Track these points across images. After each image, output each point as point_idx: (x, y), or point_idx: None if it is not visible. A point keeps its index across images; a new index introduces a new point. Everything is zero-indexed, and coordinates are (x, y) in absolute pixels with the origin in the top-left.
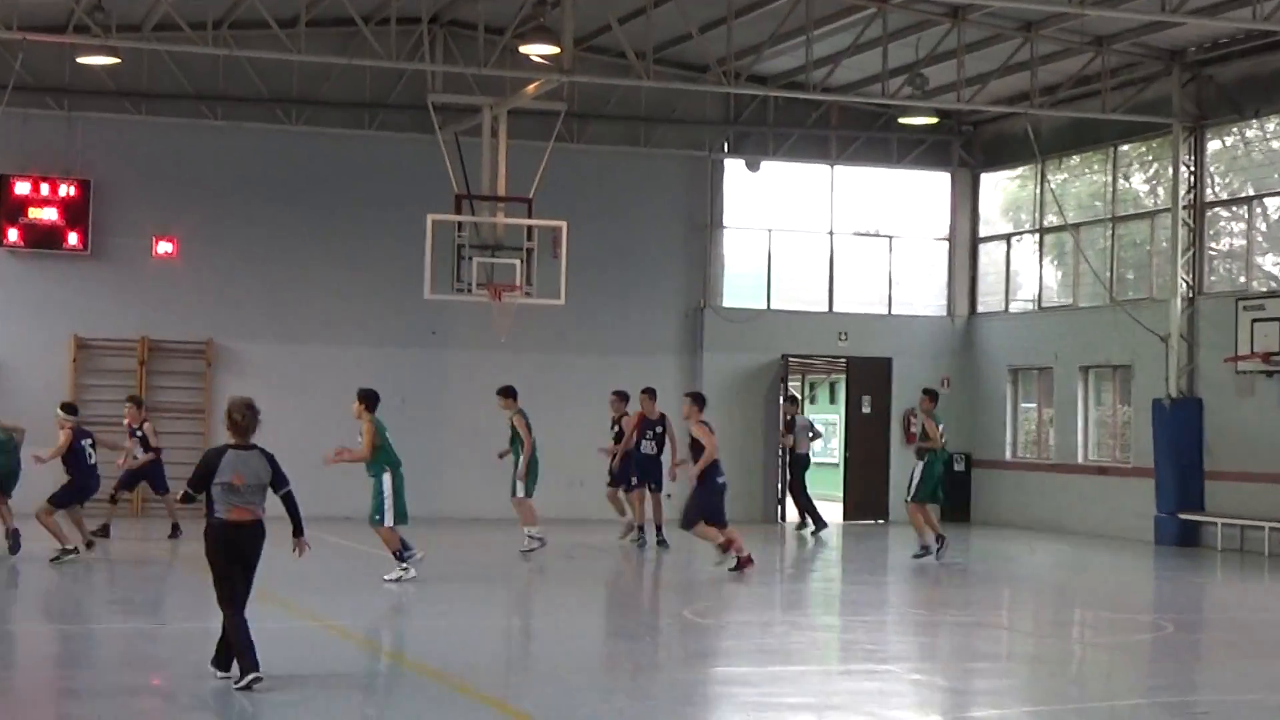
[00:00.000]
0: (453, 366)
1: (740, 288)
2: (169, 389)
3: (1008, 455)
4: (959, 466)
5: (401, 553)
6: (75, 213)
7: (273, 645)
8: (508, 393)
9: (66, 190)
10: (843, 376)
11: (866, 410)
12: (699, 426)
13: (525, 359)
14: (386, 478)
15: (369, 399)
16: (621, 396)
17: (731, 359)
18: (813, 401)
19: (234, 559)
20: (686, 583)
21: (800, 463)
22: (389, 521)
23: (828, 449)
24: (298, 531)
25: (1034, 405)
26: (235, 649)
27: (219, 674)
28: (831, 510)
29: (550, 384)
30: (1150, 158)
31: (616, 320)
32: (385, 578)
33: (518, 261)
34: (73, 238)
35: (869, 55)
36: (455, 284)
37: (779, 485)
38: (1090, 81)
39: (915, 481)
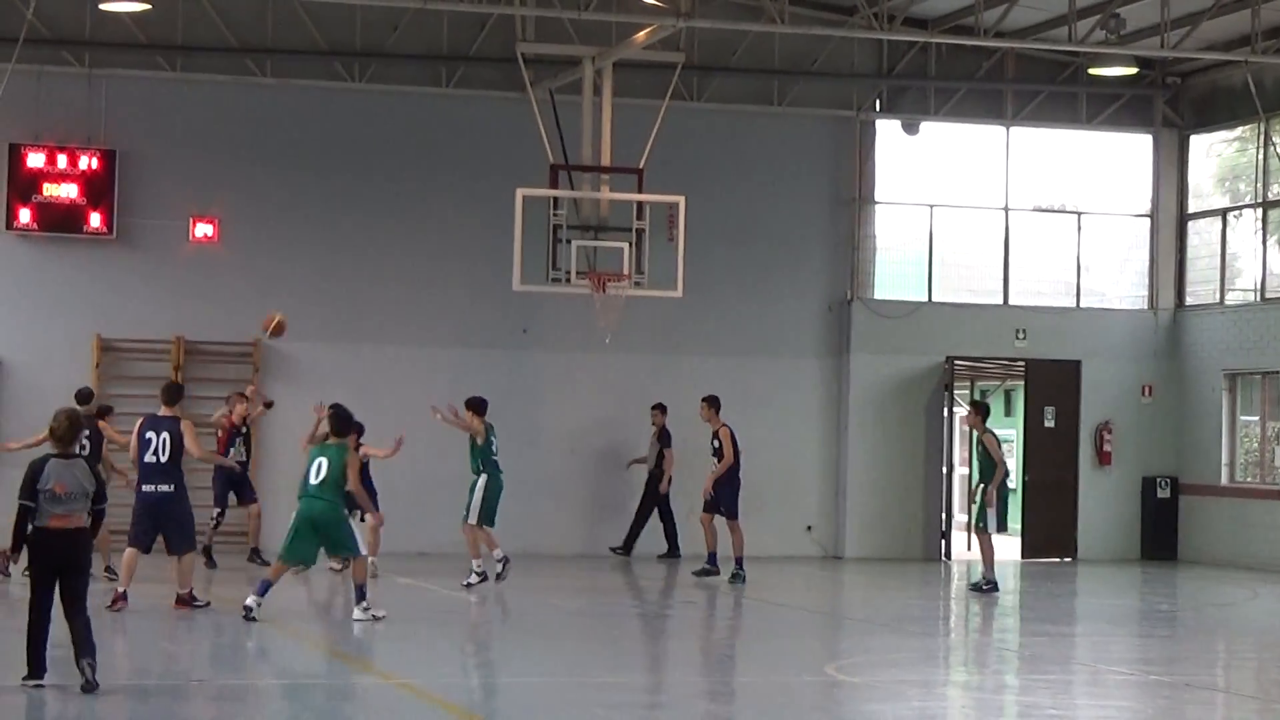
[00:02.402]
0: (547, 371)
1: (896, 276)
2: (209, 399)
3: (1224, 479)
4: (1163, 493)
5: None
6: (98, 189)
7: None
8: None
9: (88, 162)
10: (1021, 383)
11: (1050, 424)
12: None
13: (635, 362)
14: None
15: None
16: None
17: (885, 362)
18: None
19: (48, 566)
20: (825, 631)
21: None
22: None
23: None
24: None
25: (1256, 418)
26: (28, 645)
27: (85, 664)
28: (1007, 546)
29: (664, 392)
30: None
31: (745, 315)
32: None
33: (626, 245)
34: (95, 219)
35: None
36: (551, 272)
37: (942, 515)
38: None
39: (993, 511)
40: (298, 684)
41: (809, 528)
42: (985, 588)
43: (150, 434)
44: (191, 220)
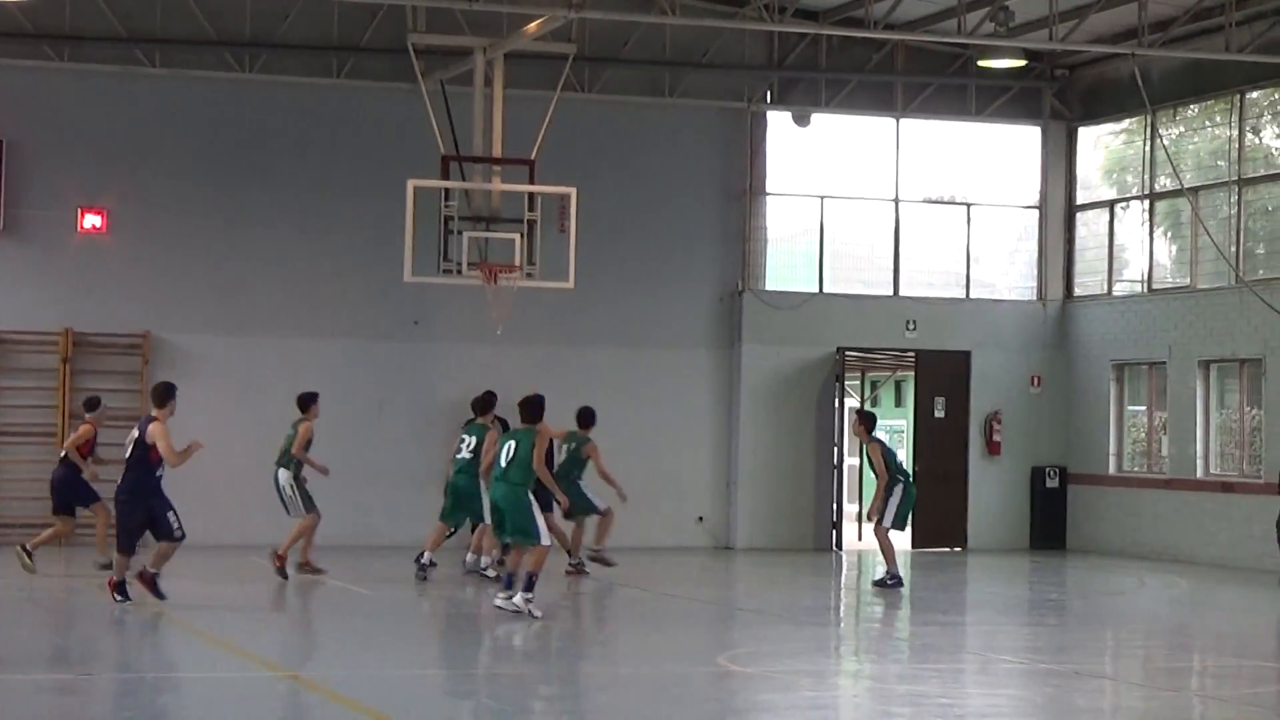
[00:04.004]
0: (439, 363)
1: (786, 267)
2: (98, 391)
3: (1111, 469)
4: (1051, 482)
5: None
6: None
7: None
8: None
9: None
10: (911, 374)
11: (940, 414)
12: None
13: (527, 353)
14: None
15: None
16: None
17: (776, 353)
18: (874, 404)
19: None
20: (717, 622)
21: None
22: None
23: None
24: None
25: (1143, 408)
26: None
27: None
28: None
29: (557, 383)
30: None
31: (637, 306)
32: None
33: (517, 236)
34: None
35: None
36: (442, 264)
37: (833, 505)
38: (1211, 14)
39: (893, 507)
40: (189, 678)
41: (700, 518)
42: (890, 583)
43: (135, 430)
44: (80, 211)
